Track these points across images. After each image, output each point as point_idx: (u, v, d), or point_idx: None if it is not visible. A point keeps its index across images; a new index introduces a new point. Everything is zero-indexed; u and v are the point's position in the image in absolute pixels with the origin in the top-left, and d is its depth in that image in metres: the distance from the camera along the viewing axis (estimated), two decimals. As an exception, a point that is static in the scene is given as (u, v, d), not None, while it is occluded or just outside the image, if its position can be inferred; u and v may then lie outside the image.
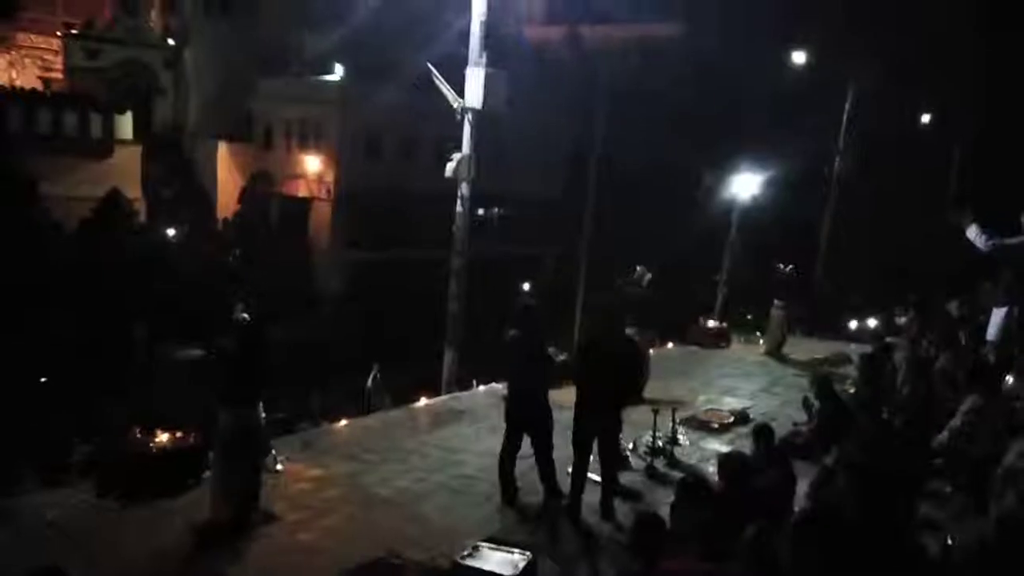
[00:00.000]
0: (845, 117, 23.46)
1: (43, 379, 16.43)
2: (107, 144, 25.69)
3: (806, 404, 8.30)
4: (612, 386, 6.47)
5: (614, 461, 6.78)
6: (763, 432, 5.94)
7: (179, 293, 21.46)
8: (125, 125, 26.46)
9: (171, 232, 26.20)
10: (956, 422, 5.83)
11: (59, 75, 33.57)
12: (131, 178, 25.79)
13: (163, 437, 6.95)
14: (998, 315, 7.11)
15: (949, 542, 3.77)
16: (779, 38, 26.39)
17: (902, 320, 10.82)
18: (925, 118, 29.19)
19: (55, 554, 5.77)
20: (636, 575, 4.43)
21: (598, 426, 6.53)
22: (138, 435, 7.00)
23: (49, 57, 34.99)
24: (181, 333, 19.05)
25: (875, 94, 24.75)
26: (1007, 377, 6.25)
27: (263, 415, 6.38)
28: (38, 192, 21.84)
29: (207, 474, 6.57)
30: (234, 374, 6.19)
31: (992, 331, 7.15)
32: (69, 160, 24.20)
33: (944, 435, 5.92)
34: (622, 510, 6.76)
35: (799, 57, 25.05)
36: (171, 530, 6.03)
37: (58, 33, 33.72)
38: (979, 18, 28.18)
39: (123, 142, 26.18)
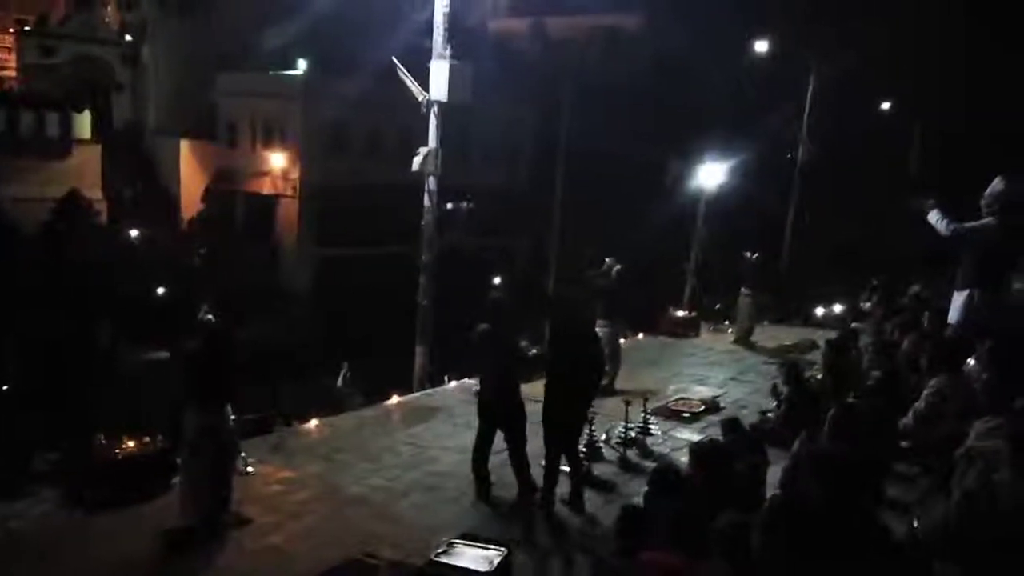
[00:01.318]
0: (807, 105, 23.76)
1: (3, 386, 16.05)
2: (65, 143, 25.09)
3: (774, 391, 8.40)
4: (581, 377, 6.49)
5: (577, 454, 6.81)
6: (732, 426, 6.02)
7: (144, 294, 21.11)
8: (83, 124, 25.86)
9: (134, 233, 25.72)
10: (920, 404, 5.94)
11: (13, 73, 32.77)
12: (91, 178, 25.23)
13: (130, 443, 6.82)
14: (959, 298, 7.24)
15: (915, 524, 3.85)
16: (742, 27, 26.65)
17: (867, 305, 11.00)
18: (885, 104, 29.71)
19: (19, 565, 5.67)
20: (615, 567, 4.46)
21: (570, 418, 6.55)
22: (104, 441, 6.86)
23: (2, 55, 34.14)
24: (146, 335, 18.75)
25: (837, 81, 25.11)
26: (968, 360, 6.38)
27: (232, 417, 6.30)
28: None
29: (176, 479, 6.46)
30: (200, 376, 6.09)
31: (953, 314, 7.28)
32: (25, 161, 23.62)
33: (909, 417, 6.02)
34: (596, 502, 6.80)
35: (762, 46, 25.33)
36: (140, 537, 5.92)
37: (11, 30, 32.91)
38: (940, 4, 28.69)
39: (82, 141, 25.59)
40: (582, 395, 6.64)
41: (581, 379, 6.51)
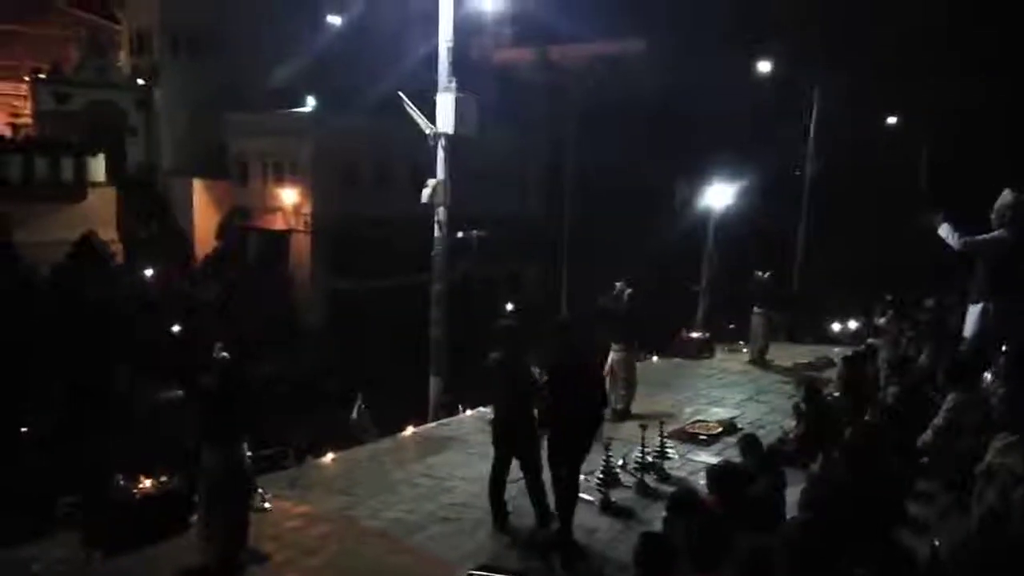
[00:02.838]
0: (812, 123, 23.81)
1: (23, 428, 16.17)
2: (80, 187, 25.53)
3: (796, 410, 8.33)
4: (584, 405, 6.45)
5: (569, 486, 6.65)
6: (750, 443, 5.96)
7: (159, 333, 21.28)
8: (98, 167, 26.33)
9: (149, 272, 26.01)
10: (939, 420, 5.88)
11: (28, 120, 33.39)
12: (106, 220, 25.64)
13: (147, 483, 6.84)
14: (974, 312, 7.20)
15: (936, 544, 3.79)
16: (745, 48, 26.82)
17: (882, 321, 10.91)
18: (892, 119, 29.70)
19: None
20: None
21: (578, 446, 6.51)
22: (122, 482, 6.89)
23: (17, 103, 34.82)
24: (162, 374, 18.85)
25: (843, 97, 25.18)
26: (985, 374, 6.32)
27: (248, 453, 6.31)
28: (11, 239, 21.65)
29: (193, 517, 6.47)
30: (216, 413, 6.12)
31: (968, 327, 7.24)
32: (42, 206, 24.00)
33: (928, 434, 5.96)
34: (615, 528, 6.74)
35: (764, 66, 25.45)
36: (159, 577, 5.93)
37: (25, 78, 33.58)
38: (944, 21, 28.77)
39: (96, 184, 26.03)
40: (581, 427, 6.54)
41: (580, 411, 6.44)
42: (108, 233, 25.09)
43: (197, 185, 31.69)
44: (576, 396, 6.41)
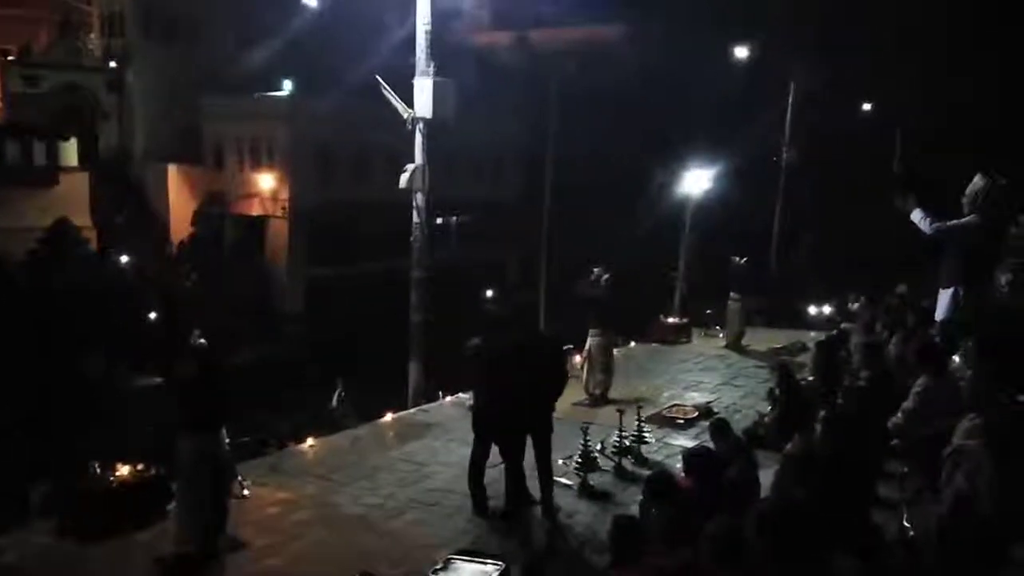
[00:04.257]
0: (789, 109, 23.96)
1: (-4, 417, 15.95)
2: (52, 172, 25.05)
3: (771, 395, 8.44)
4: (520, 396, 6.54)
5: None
6: (719, 427, 6.05)
7: (135, 321, 21.04)
8: (70, 152, 25.83)
9: (124, 259, 25.67)
10: (908, 403, 5.99)
11: (-3, 103, 32.71)
12: (80, 206, 25.17)
13: (123, 470, 6.79)
14: (944, 296, 7.32)
15: (905, 523, 3.88)
16: (724, 35, 26.89)
17: (855, 306, 11.07)
18: (867, 106, 29.97)
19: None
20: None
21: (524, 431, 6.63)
22: (98, 470, 6.84)
23: (-15, 86, 34.05)
24: (139, 361, 18.68)
25: (819, 85, 25.33)
26: (954, 357, 6.44)
27: (226, 440, 6.30)
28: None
29: (171, 505, 6.45)
30: (194, 400, 6.09)
31: (939, 312, 7.36)
32: (12, 191, 23.57)
33: (899, 416, 6.08)
34: (593, 511, 6.82)
35: (742, 52, 25.54)
36: (136, 565, 5.91)
37: (-7, 61, 32.89)
38: (918, 7, 29.02)
39: (69, 169, 25.55)
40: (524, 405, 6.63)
41: (515, 402, 6.53)
42: (81, 219, 24.63)
43: (172, 170, 31.24)
44: (511, 387, 6.47)
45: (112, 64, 33.05)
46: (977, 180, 7.07)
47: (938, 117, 27.59)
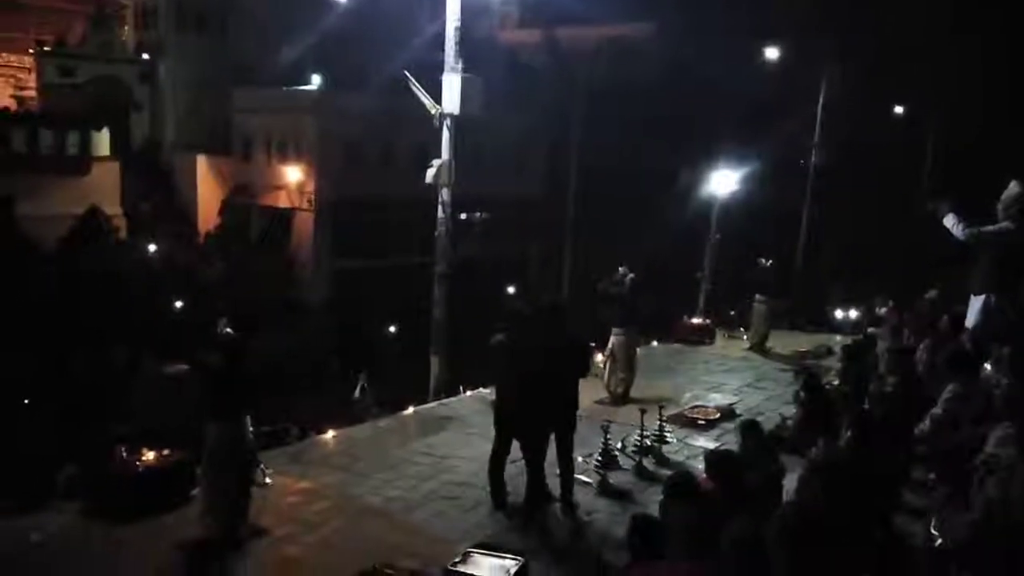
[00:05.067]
0: (819, 111, 23.69)
1: (25, 400, 16.24)
2: (84, 161, 25.45)
3: (797, 398, 8.35)
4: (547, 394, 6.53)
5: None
6: (750, 428, 5.98)
7: (162, 308, 21.31)
8: (102, 141, 26.22)
9: (152, 247, 26.01)
10: (938, 410, 5.90)
11: (33, 93, 33.31)
12: (110, 194, 25.56)
13: (149, 455, 6.89)
14: (976, 303, 7.20)
15: (933, 530, 3.82)
16: (754, 34, 26.63)
17: (883, 311, 10.92)
18: (899, 109, 29.54)
19: (41, 577, 5.74)
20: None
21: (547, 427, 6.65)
22: (124, 454, 6.94)
23: (22, 75, 34.74)
24: (165, 348, 18.88)
25: (851, 86, 25.02)
26: (985, 365, 6.33)
27: (250, 428, 6.36)
28: (14, 211, 21.63)
29: (195, 490, 6.53)
30: (219, 388, 6.16)
31: (970, 319, 7.24)
32: (46, 179, 23.97)
33: (926, 423, 5.99)
34: (613, 510, 6.80)
35: (772, 52, 25.28)
36: (160, 549, 5.98)
37: (30, 51, 33.46)
38: (951, 13, 28.54)
39: (101, 158, 25.94)
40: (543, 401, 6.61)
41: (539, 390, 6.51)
42: (112, 207, 25.01)
43: (201, 161, 31.61)
44: (534, 383, 6.46)
45: (145, 56, 33.51)
46: (1013, 186, 6.95)
47: (973, 119, 27.11)
